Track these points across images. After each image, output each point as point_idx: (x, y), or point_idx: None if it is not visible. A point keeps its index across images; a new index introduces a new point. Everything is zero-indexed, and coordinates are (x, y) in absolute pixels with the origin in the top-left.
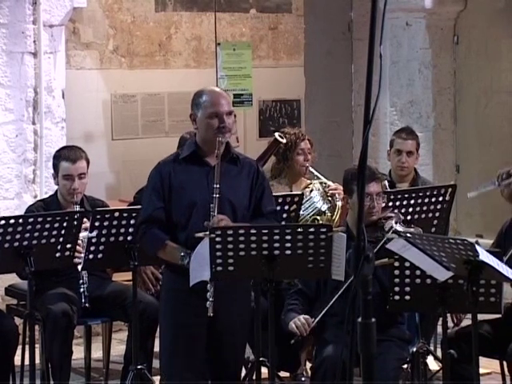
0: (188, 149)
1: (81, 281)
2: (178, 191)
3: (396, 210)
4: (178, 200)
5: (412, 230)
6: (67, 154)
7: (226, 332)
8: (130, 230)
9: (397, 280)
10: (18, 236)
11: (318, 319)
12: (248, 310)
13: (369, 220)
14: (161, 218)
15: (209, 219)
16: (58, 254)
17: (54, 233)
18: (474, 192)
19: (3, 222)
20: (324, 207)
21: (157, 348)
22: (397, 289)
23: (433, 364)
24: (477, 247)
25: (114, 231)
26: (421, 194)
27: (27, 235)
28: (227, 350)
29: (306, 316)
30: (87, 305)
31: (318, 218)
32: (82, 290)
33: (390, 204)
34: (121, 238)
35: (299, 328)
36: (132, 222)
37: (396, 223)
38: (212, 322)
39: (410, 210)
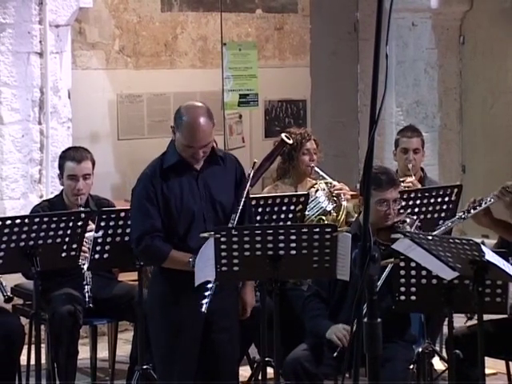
0: (171, 157)
1: (84, 282)
2: (173, 202)
3: (409, 213)
4: (175, 211)
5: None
6: (72, 155)
7: (221, 331)
8: None
9: (402, 280)
10: (23, 236)
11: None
12: (237, 308)
13: (384, 225)
14: (161, 229)
15: (205, 227)
16: (63, 254)
17: (60, 233)
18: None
19: (9, 221)
20: (329, 207)
21: None
22: (402, 289)
23: (438, 364)
24: (482, 247)
25: (119, 231)
26: (427, 195)
27: (33, 235)
28: (223, 348)
29: (346, 326)
30: (91, 305)
31: (324, 218)
32: (85, 290)
33: None
34: (126, 238)
35: (341, 340)
36: None
37: (411, 227)
38: (207, 323)
39: (416, 210)
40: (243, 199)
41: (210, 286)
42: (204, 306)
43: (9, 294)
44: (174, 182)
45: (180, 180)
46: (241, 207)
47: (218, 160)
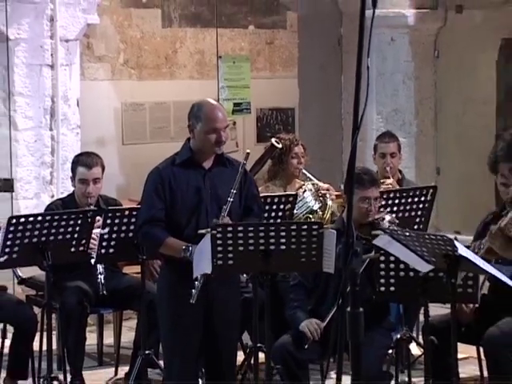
0: (184, 154)
1: (98, 271)
2: (178, 195)
3: (388, 212)
4: (180, 203)
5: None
6: (84, 160)
7: (221, 321)
8: None
9: (382, 273)
10: (36, 232)
11: (326, 323)
12: (239, 300)
13: (365, 221)
14: (162, 219)
15: (207, 222)
16: (73, 249)
17: (70, 230)
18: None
19: (23, 219)
20: (316, 206)
21: None
22: (382, 281)
23: (415, 349)
24: (455, 242)
25: (124, 228)
26: (404, 195)
27: (45, 232)
28: (222, 339)
29: (318, 321)
30: (105, 292)
31: (311, 216)
32: (98, 279)
33: None
34: (130, 234)
35: (312, 333)
36: None
37: (391, 223)
38: (208, 313)
39: (395, 208)
40: (234, 191)
41: (199, 278)
42: (193, 297)
43: (22, 275)
44: (182, 177)
45: (188, 176)
46: (231, 199)
47: (226, 162)
